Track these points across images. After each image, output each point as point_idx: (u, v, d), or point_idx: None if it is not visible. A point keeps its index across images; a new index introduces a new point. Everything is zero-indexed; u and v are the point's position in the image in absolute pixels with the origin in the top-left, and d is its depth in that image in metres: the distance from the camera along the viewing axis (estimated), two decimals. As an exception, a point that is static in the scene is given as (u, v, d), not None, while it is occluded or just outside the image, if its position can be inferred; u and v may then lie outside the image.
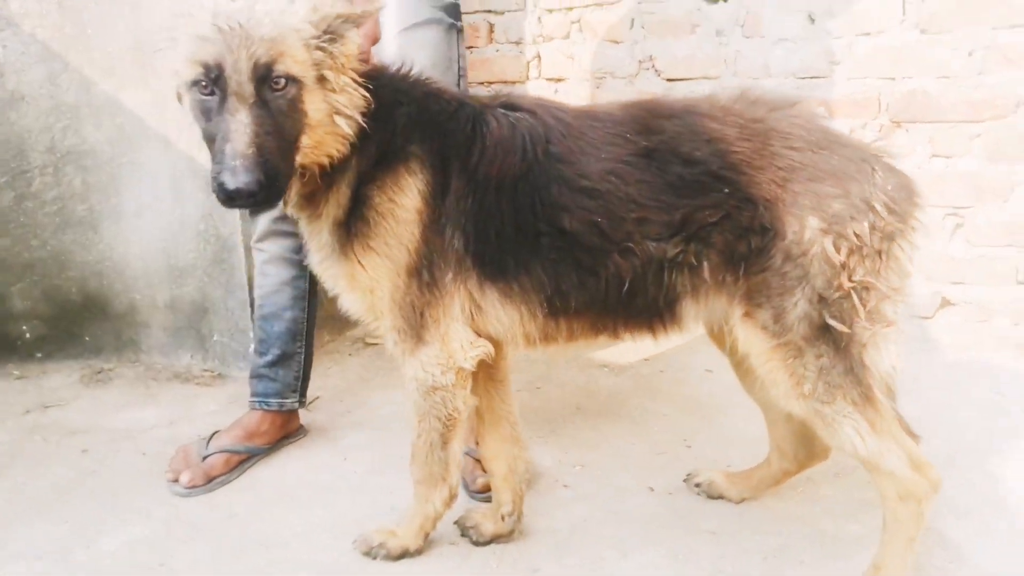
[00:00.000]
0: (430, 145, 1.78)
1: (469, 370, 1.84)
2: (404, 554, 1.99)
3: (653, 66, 3.53)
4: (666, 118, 1.79)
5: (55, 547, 2.07)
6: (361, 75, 1.76)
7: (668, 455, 2.53)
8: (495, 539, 2.06)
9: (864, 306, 1.67)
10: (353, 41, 1.70)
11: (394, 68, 1.86)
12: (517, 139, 1.75)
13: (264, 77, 1.61)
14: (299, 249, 2.43)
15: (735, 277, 1.72)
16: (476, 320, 1.83)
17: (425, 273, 1.77)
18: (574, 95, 3.69)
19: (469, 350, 1.82)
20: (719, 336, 2.05)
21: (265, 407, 2.50)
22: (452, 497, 1.98)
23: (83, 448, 2.60)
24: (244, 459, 2.44)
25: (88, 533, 2.12)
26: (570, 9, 3.63)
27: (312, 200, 1.82)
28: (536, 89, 3.68)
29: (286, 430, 2.58)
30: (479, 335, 1.84)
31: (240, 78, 1.60)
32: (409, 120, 1.79)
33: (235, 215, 2.96)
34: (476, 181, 1.75)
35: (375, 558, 1.99)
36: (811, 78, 3.29)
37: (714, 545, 2.05)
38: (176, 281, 3.12)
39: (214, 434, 2.47)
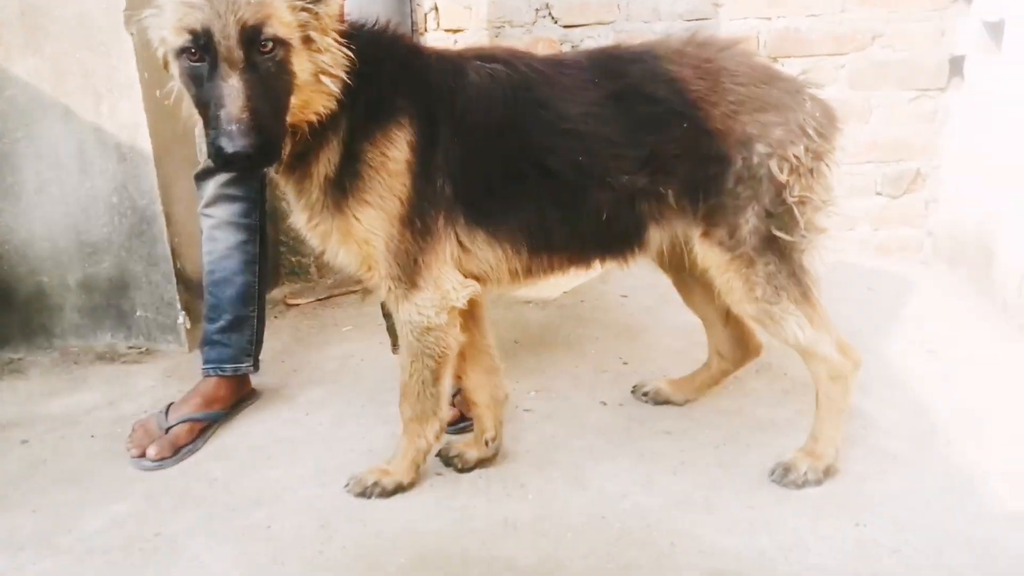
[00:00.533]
0: (417, 99, 1.85)
1: (460, 309, 1.96)
2: (398, 489, 2.10)
3: (550, 13, 3.67)
4: (629, 62, 1.95)
5: (33, 535, 2.01)
6: (341, 34, 1.79)
7: (610, 372, 2.76)
8: (479, 465, 2.21)
9: (803, 217, 1.93)
10: (336, 1, 1.73)
11: (371, 25, 1.90)
12: (497, 88, 1.86)
13: (252, 40, 1.63)
14: (248, 213, 2.46)
15: (695, 202, 1.92)
16: (464, 261, 1.94)
17: (417, 221, 1.86)
18: (473, 43, 3.76)
19: (460, 290, 1.94)
20: (662, 260, 2.30)
21: (220, 373, 2.50)
22: (442, 430, 2.11)
23: (22, 439, 2.48)
24: (206, 426, 2.44)
25: (64, 518, 2.08)
26: (463, -41, 3.69)
27: (303, 160, 1.85)
28: (435, 40, 3.73)
29: (241, 394, 2.59)
30: (465, 275, 1.95)
31: (229, 43, 1.61)
32: (394, 76, 1.85)
33: (153, 185, 2.86)
34: (463, 130, 1.85)
35: (370, 496, 2.08)
36: (697, 20, 3.56)
37: (671, 443, 2.30)
38: (89, 259, 2.99)
39: (170, 406, 2.45)
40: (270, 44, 1.63)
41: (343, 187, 1.84)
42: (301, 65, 1.69)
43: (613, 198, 1.91)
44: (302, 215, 1.94)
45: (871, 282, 3.46)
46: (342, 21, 1.83)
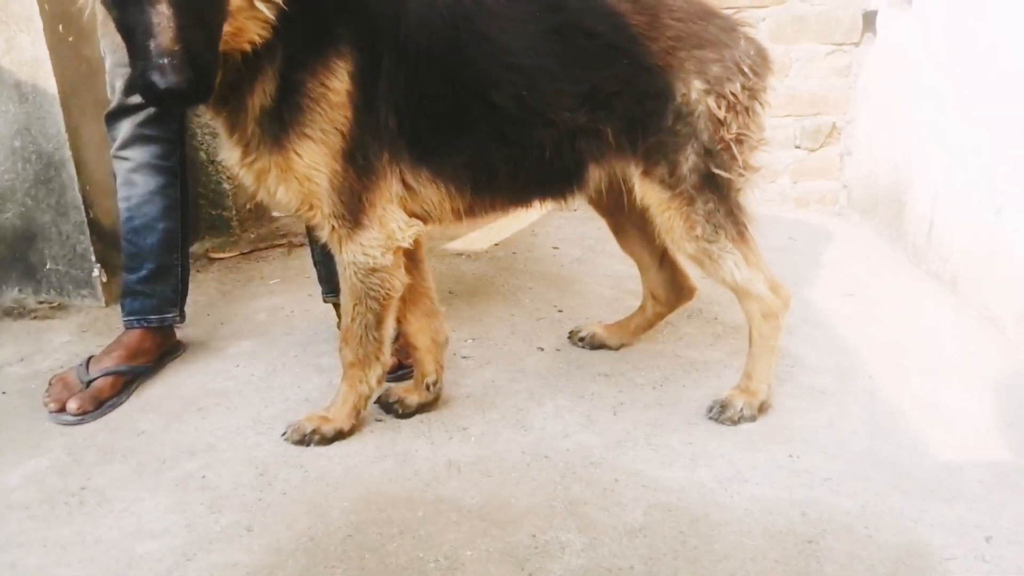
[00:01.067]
0: (357, 26, 1.77)
1: (404, 249, 1.92)
2: (338, 436, 2.06)
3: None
4: None
5: (-55, 494, 1.90)
6: None
7: (545, 320, 2.78)
8: (420, 410, 2.19)
9: (740, 155, 1.96)
10: None
11: None
12: (437, 17, 1.80)
13: None
14: (168, 155, 2.34)
15: (634, 139, 1.93)
16: (408, 201, 1.90)
17: (360, 157, 1.79)
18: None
19: (406, 230, 1.89)
20: (599, 202, 2.31)
21: (145, 324, 2.38)
22: (384, 375, 2.07)
23: (-74, 398, 2.33)
24: (130, 380, 2.33)
25: (-22, 475, 1.96)
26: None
27: (236, 91, 1.75)
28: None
29: (167, 346, 2.48)
30: (409, 215, 1.91)
31: None
32: (334, 3, 1.76)
33: (59, 129, 2.68)
34: (406, 60, 1.78)
35: (309, 444, 2.04)
36: (623, -32, 3.54)
37: (609, 385, 2.34)
38: (-10, 208, 2.79)
39: (90, 359, 2.33)
40: None
41: (282, 120, 1.75)
42: None
43: (555, 135, 1.90)
44: (235, 150, 1.84)
45: (792, 232, 3.59)
46: None
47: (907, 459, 1.96)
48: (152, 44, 1.45)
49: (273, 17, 1.65)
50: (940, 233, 3.01)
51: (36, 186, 2.76)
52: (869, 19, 3.58)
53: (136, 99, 2.21)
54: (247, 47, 1.67)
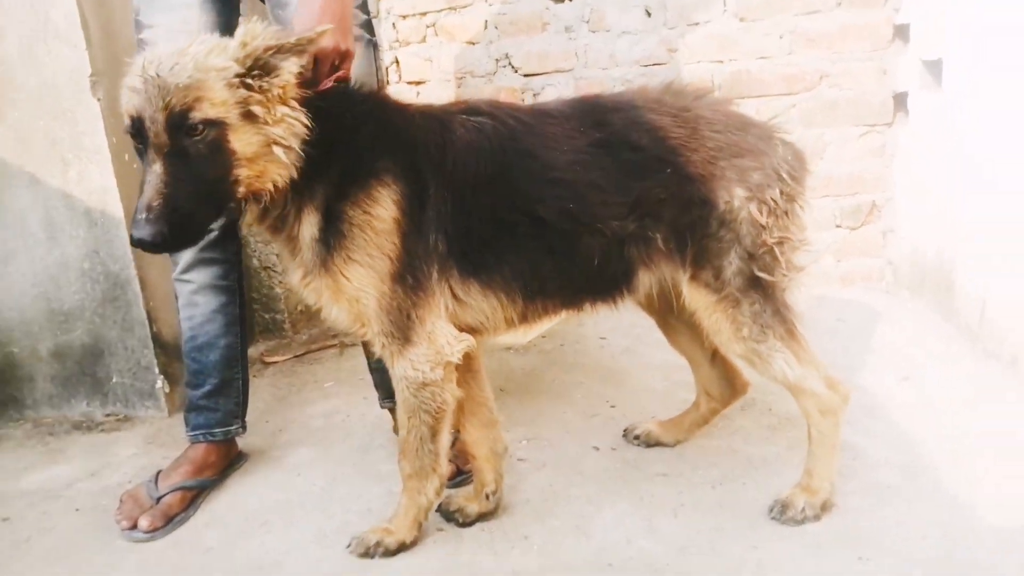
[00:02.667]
0: (401, 156, 1.87)
1: (455, 363, 1.97)
2: (401, 548, 2.08)
3: (510, 63, 3.75)
4: (611, 111, 2.02)
5: (25, 620, 1.95)
6: (316, 97, 1.81)
7: (599, 417, 2.79)
8: (480, 518, 2.20)
9: (783, 257, 2.00)
10: (289, 71, 1.72)
11: (352, 88, 1.93)
12: (485, 140, 1.90)
13: (179, 125, 1.67)
14: (227, 275, 2.45)
15: (682, 245, 1.98)
16: (459, 313, 1.96)
17: (409, 277, 1.87)
18: (435, 96, 3.83)
19: (455, 344, 1.95)
20: (648, 304, 2.35)
21: (211, 438, 2.45)
22: (442, 486, 2.10)
23: (2, 517, 2.40)
24: (197, 494, 2.39)
25: (56, 599, 2.01)
26: (424, 14, 3.76)
27: (285, 222, 1.87)
28: (397, 93, 3.78)
29: (230, 457, 2.54)
30: (460, 327, 1.97)
31: (156, 128, 1.67)
32: (373, 139, 1.87)
33: (126, 251, 2.82)
34: (453, 185, 1.87)
35: (373, 557, 2.05)
36: (653, 65, 3.67)
37: (669, 485, 2.33)
38: (61, 327, 2.92)
39: (158, 474, 2.39)
40: (199, 127, 1.66)
41: (329, 246, 1.85)
42: (244, 140, 1.70)
43: (604, 244, 1.96)
44: (296, 272, 1.94)
45: (839, 312, 3.57)
46: (344, 79, 1.84)
47: (984, 562, 1.91)
48: (140, 199, 1.66)
49: (292, 161, 1.76)
50: (995, 312, 2.98)
51: (104, 304, 2.90)
52: (900, 100, 3.64)
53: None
54: (270, 187, 1.78)
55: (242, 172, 1.73)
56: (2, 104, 2.73)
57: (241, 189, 1.75)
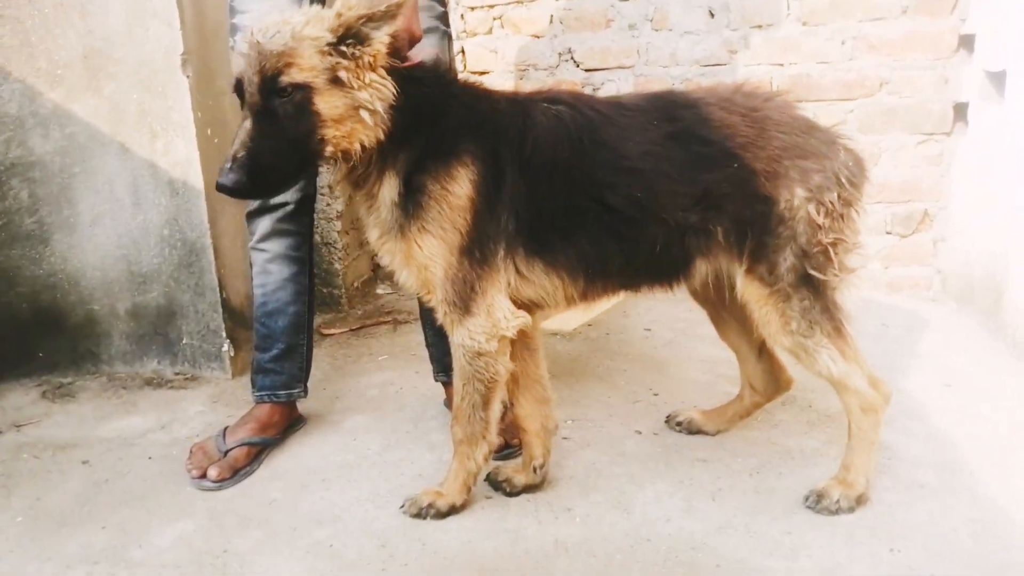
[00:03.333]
0: (482, 142, 1.99)
1: (510, 338, 2.09)
2: (452, 511, 2.21)
3: (572, 57, 3.85)
4: (683, 107, 2.11)
5: (106, 550, 2.11)
6: (406, 71, 1.95)
7: (642, 403, 2.88)
8: (526, 490, 2.32)
9: (836, 258, 2.08)
10: (380, 40, 1.86)
11: (441, 69, 2.06)
12: (563, 129, 2.01)
13: (270, 87, 1.84)
14: (300, 246, 2.59)
15: (742, 239, 2.07)
16: (521, 288, 2.08)
17: (477, 252, 1.99)
18: (498, 87, 3.93)
19: (511, 320, 2.07)
20: (701, 294, 2.44)
21: (275, 399, 2.61)
22: (491, 453, 2.22)
23: (83, 460, 2.59)
24: (261, 450, 2.55)
25: (134, 534, 2.18)
26: (492, 7, 3.88)
27: (367, 180, 2.02)
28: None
29: (292, 419, 2.70)
30: (522, 302, 2.09)
31: (252, 88, 1.85)
32: (459, 120, 1.99)
33: (203, 219, 3.00)
34: (530, 171, 1.99)
35: (425, 517, 2.19)
36: (714, 65, 3.74)
37: (708, 470, 2.42)
38: (139, 288, 3.11)
39: (226, 429, 2.56)
40: (288, 89, 1.83)
41: (407, 213, 1.99)
42: (332, 102, 1.85)
43: (666, 232, 2.05)
44: (373, 231, 2.09)
45: (885, 318, 3.61)
46: (402, 59, 1.95)
47: (1016, 562, 1.97)
48: (230, 150, 1.85)
49: (378, 124, 1.90)
50: (1041, 325, 3.00)
51: (179, 269, 3.08)
52: (960, 110, 3.65)
53: (278, 199, 2.50)
54: (357, 147, 1.92)
55: (328, 132, 1.88)
56: (101, 77, 2.91)
57: (329, 148, 1.90)
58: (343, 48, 1.85)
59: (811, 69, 3.70)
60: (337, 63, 1.84)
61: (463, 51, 3.94)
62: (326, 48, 1.84)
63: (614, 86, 3.85)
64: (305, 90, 1.83)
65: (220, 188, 1.86)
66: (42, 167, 2.99)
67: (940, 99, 3.67)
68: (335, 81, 1.85)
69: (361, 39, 1.86)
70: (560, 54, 3.86)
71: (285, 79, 1.82)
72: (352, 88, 1.86)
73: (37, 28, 2.86)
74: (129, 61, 2.90)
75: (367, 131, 1.91)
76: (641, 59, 3.80)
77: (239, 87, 1.90)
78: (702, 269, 2.13)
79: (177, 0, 2.79)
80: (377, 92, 1.89)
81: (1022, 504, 2.20)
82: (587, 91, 3.88)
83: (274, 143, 1.86)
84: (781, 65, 3.71)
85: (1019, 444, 2.52)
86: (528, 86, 3.91)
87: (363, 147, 1.93)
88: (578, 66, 3.86)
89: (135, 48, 2.88)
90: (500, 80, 3.96)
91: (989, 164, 3.43)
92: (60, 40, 2.89)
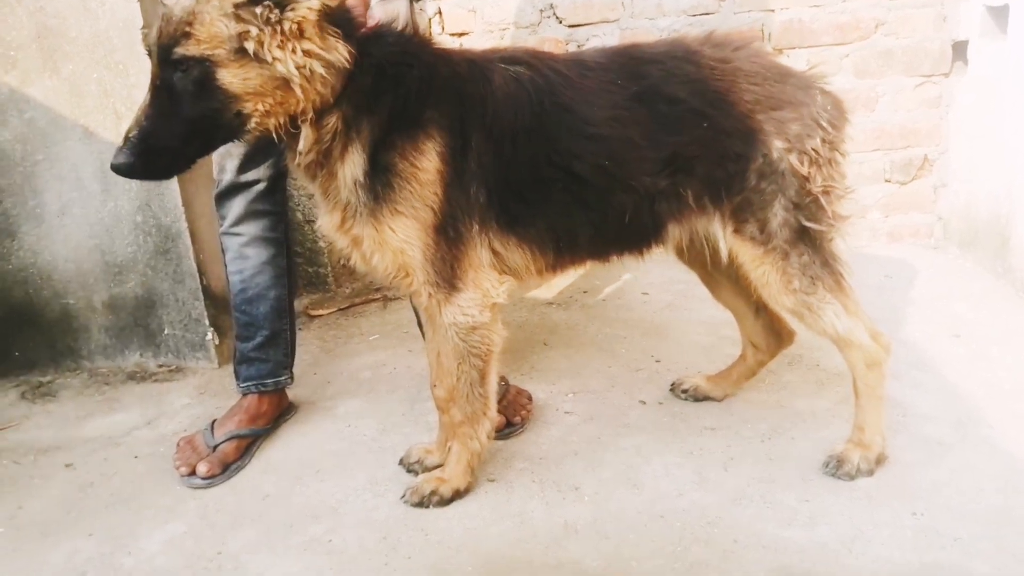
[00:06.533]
0: (446, 108, 1.86)
1: (502, 304, 1.99)
2: (456, 496, 2.12)
3: (554, 13, 3.68)
4: (649, 63, 1.99)
5: (94, 559, 2.01)
6: (363, 35, 1.81)
7: (644, 371, 2.79)
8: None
9: (829, 206, 1.99)
10: (307, 5, 1.67)
11: (397, 29, 1.90)
12: (523, 93, 1.88)
13: (166, 60, 1.68)
14: (275, 226, 2.46)
15: (717, 200, 1.98)
16: (495, 264, 1.98)
17: (451, 229, 1.88)
18: (479, 46, 3.77)
19: (499, 287, 1.97)
20: (687, 257, 2.34)
21: (262, 389, 2.50)
22: (493, 430, 2.13)
23: (66, 463, 2.47)
24: (252, 442, 2.44)
25: (122, 540, 2.08)
26: (467, -37, 3.69)
27: (328, 159, 1.86)
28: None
29: (282, 407, 2.59)
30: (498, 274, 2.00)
31: (153, 60, 1.70)
32: (422, 84, 1.84)
33: (176, 204, 2.85)
34: (493, 137, 1.87)
35: (429, 506, 2.10)
36: (702, 14, 3.58)
37: (717, 439, 2.33)
38: (115, 279, 2.97)
39: (214, 423, 2.45)
40: (185, 63, 1.66)
41: (376, 195, 1.85)
42: (241, 75, 1.68)
43: (635, 199, 1.96)
44: (332, 216, 1.94)
45: (886, 269, 3.51)
46: (357, 26, 1.80)
47: (1041, 516, 1.90)
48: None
49: (319, 94, 1.74)
50: (1050, 268, 2.91)
51: (155, 257, 2.94)
52: (959, 49, 3.52)
53: (248, 176, 2.36)
54: (303, 113, 1.76)
55: (247, 106, 1.72)
56: (57, 57, 2.74)
57: (253, 122, 1.75)
58: (258, 11, 1.65)
59: (803, 13, 3.54)
60: (245, 31, 1.65)
61: (440, 12, 3.76)
62: (231, 11, 1.65)
63: (599, 41, 3.68)
64: (204, 64, 1.66)
65: (113, 169, 1.72)
66: (2, 156, 2.83)
67: (938, 38, 3.54)
68: (244, 52, 1.67)
69: (283, 3, 1.66)
70: (541, 11, 3.69)
71: (179, 51, 1.65)
72: (268, 59, 1.67)
73: (-15, 9, 2.69)
74: (85, 39, 2.72)
75: (302, 101, 1.74)
76: (626, 12, 3.63)
77: (149, 56, 1.74)
78: (675, 233, 2.05)
79: (133, -31, 2.62)
80: (316, 59, 1.70)
81: (1044, 456, 2.13)
82: (571, 47, 3.72)
83: (172, 122, 1.71)
84: (772, 11, 3.55)
85: (1035, 392, 2.44)
86: (509, 45, 3.74)
87: (309, 111, 1.77)
88: (560, 22, 3.68)
89: (90, 23, 2.70)
90: (480, 41, 3.78)
91: (992, 104, 3.31)
92: (10, 20, 2.70)
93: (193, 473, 2.30)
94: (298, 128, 1.81)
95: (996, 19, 3.29)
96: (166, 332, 3.04)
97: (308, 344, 3.22)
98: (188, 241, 2.90)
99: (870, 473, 2.07)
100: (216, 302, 3.03)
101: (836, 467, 2.08)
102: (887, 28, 3.54)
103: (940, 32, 3.52)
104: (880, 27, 3.52)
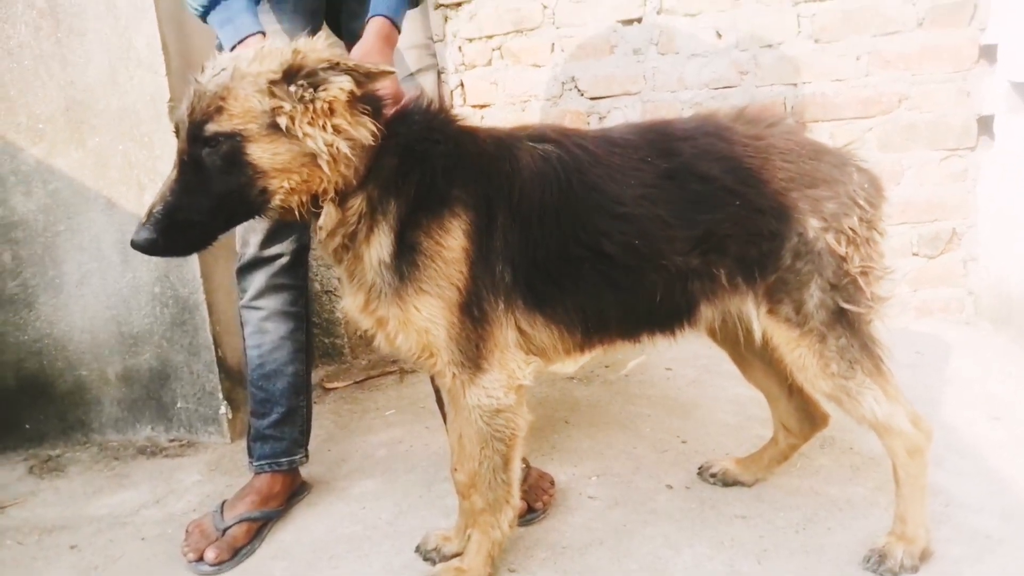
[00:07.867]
0: (473, 187, 1.83)
1: (528, 386, 1.92)
2: (475, 588, 2.01)
3: (576, 86, 3.70)
4: (680, 140, 1.95)
5: (94, 652, 1.92)
6: (392, 115, 1.80)
7: (670, 452, 2.68)
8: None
9: (867, 287, 1.91)
10: (339, 86, 1.66)
11: (424, 105, 1.88)
12: (550, 171, 1.84)
13: (196, 136, 1.66)
14: (296, 301, 2.42)
15: (750, 279, 1.91)
16: (521, 344, 1.92)
17: (476, 309, 1.83)
18: (500, 119, 3.79)
19: (525, 368, 1.91)
20: (719, 336, 2.27)
21: (276, 468, 2.42)
22: (516, 519, 2.03)
23: (71, 544, 2.39)
24: (262, 525, 2.35)
25: (124, 630, 1.99)
26: (490, 37, 3.73)
27: (353, 241, 1.83)
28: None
29: (294, 487, 2.50)
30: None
31: (182, 135, 1.69)
32: (448, 161, 1.82)
33: (195, 275, 2.83)
34: (520, 216, 1.83)
35: (447, 601, 1.99)
36: (724, 88, 3.58)
37: (749, 528, 2.22)
38: (130, 350, 2.93)
39: (224, 504, 2.36)
40: (216, 140, 1.64)
41: (401, 275, 1.80)
42: (272, 150, 1.66)
43: (666, 279, 1.90)
44: (355, 298, 1.89)
45: (917, 345, 3.41)
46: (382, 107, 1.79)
47: (1104, 623, 1.76)
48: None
49: (345, 172, 1.73)
50: (1091, 347, 2.81)
51: (172, 328, 2.91)
52: (985, 124, 3.48)
53: (272, 251, 2.33)
54: (327, 192, 1.75)
55: (272, 183, 1.70)
56: (84, 129, 2.76)
57: (277, 199, 1.72)
58: (292, 89, 1.66)
59: (826, 87, 3.54)
60: (279, 107, 1.65)
61: (462, 84, 3.80)
62: (266, 87, 1.65)
63: (621, 114, 3.70)
64: (234, 139, 1.65)
65: (134, 246, 1.69)
66: (25, 227, 2.84)
67: (962, 113, 3.50)
68: (277, 127, 1.66)
69: (317, 83, 1.66)
70: (563, 83, 3.71)
71: (212, 127, 1.64)
72: (300, 136, 1.66)
73: (16, 81, 2.73)
74: (112, 111, 2.75)
75: (326, 180, 1.73)
76: (648, 84, 3.64)
77: (177, 133, 1.73)
78: (707, 314, 1.97)
79: (162, 45, 2.66)
80: (343, 137, 1.69)
81: (1102, 555, 1.99)
82: (592, 120, 3.73)
83: (197, 198, 1.69)
84: (794, 85, 3.55)
85: (1086, 483, 2.32)
86: (531, 118, 3.76)
87: (325, 194, 1.75)
88: (582, 95, 3.71)
89: (118, 97, 2.73)
90: (502, 113, 3.81)
91: (1018, 177, 3.26)
92: (40, 93, 2.74)
93: (201, 559, 2.21)
94: (320, 208, 1.78)
95: (1021, 94, 3.27)
96: (179, 405, 2.98)
97: (322, 418, 3.15)
98: (205, 313, 2.86)
99: (915, 570, 1.95)
100: (231, 375, 2.98)
101: (878, 563, 1.96)
102: (910, 103, 3.52)
103: (964, 106, 3.49)
104: (903, 101, 3.51)
